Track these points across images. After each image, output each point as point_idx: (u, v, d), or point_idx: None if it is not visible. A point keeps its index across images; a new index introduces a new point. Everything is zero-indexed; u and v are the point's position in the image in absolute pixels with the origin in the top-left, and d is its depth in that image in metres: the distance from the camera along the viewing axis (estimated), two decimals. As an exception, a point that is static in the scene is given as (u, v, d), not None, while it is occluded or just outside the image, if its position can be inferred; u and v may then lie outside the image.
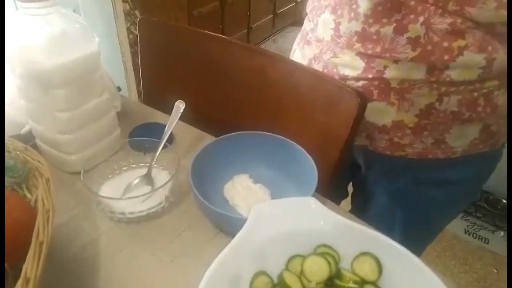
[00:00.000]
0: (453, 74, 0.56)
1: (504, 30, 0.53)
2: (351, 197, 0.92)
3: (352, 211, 0.89)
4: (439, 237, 1.63)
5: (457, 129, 0.62)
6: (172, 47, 0.90)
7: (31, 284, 0.34)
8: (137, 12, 1.59)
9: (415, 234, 0.78)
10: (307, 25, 0.75)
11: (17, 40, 0.55)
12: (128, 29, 1.62)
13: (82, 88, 0.59)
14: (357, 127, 0.65)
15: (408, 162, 0.68)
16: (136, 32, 0.96)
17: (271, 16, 2.95)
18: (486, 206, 1.70)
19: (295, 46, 0.81)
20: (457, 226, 1.71)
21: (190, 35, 0.87)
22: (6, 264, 0.36)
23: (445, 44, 0.54)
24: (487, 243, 1.65)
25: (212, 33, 0.82)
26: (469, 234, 1.69)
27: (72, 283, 0.49)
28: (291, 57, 0.81)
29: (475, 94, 0.59)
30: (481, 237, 1.67)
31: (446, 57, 0.55)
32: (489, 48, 0.54)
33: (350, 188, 0.94)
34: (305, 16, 0.76)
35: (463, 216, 1.75)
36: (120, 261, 0.52)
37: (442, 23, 0.53)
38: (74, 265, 0.51)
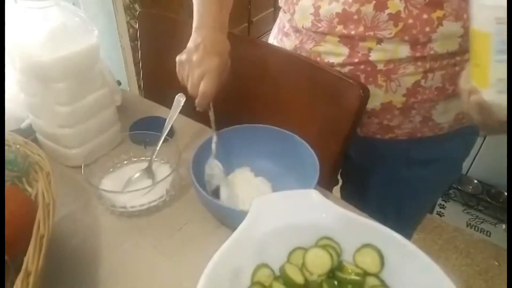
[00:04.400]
0: (436, 46, 0.58)
1: None
2: (341, 189, 0.92)
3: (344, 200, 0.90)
4: (441, 230, 1.64)
5: (442, 104, 0.64)
6: (172, 40, 0.89)
7: (32, 277, 0.34)
8: (136, 5, 1.58)
9: (407, 215, 0.80)
10: (283, 16, 0.74)
11: (16, 34, 0.54)
12: (128, 23, 1.61)
13: (82, 82, 0.59)
14: (359, 120, 0.65)
15: (399, 143, 0.69)
16: (136, 26, 0.96)
17: (272, 9, 2.93)
18: (488, 199, 1.70)
19: (271, 39, 0.81)
20: (459, 219, 1.71)
21: (190, 28, 0.86)
22: (7, 258, 0.36)
23: (425, 16, 0.56)
24: (489, 236, 1.65)
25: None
26: (471, 227, 1.69)
27: (73, 277, 0.49)
28: None
29: (457, 68, 0.60)
30: (483, 230, 1.67)
31: (427, 29, 0.56)
32: (465, 16, 0.56)
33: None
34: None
35: (465, 209, 1.75)
36: (121, 255, 0.52)
37: None
38: (75, 258, 0.51)
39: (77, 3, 1.40)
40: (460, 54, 0.59)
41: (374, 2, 0.56)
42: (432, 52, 0.58)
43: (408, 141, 0.68)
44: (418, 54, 0.58)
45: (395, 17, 0.56)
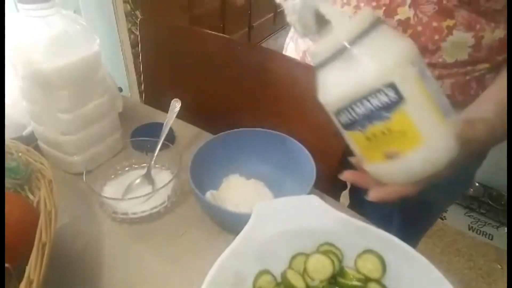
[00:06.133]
0: (445, 54, 0.57)
1: (488, 5, 0.53)
2: (349, 191, 0.92)
3: (351, 205, 0.90)
4: (442, 233, 1.64)
5: None
6: (173, 47, 0.90)
7: (35, 285, 0.34)
8: (138, 12, 1.59)
9: (413, 223, 0.79)
10: None
11: (18, 41, 0.55)
12: (129, 30, 1.62)
13: (83, 89, 0.59)
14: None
15: None
16: (137, 33, 0.96)
17: (272, 14, 2.94)
18: (490, 202, 1.69)
19: (288, 40, 0.82)
20: (461, 222, 1.71)
21: (190, 34, 0.87)
22: (10, 266, 0.37)
23: (435, 24, 0.55)
24: (491, 239, 1.64)
25: (212, 32, 0.82)
26: (473, 230, 1.68)
27: (75, 284, 0.49)
28: (284, 52, 0.82)
29: (467, 77, 0.60)
30: (485, 233, 1.67)
31: (436, 37, 0.56)
32: (477, 26, 0.55)
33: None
34: None
35: (466, 212, 1.74)
36: (124, 262, 0.52)
37: (429, 2, 0.54)
38: (77, 266, 0.51)
39: (78, 11, 1.41)
40: (470, 64, 0.58)
41: (384, 8, 0.57)
42: (440, 59, 0.57)
43: None
44: (426, 61, 0.58)
45: (404, 24, 0.56)
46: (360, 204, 0.84)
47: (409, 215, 0.78)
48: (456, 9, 0.54)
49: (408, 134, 0.36)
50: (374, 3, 0.57)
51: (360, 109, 0.36)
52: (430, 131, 0.36)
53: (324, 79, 0.39)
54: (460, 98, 0.61)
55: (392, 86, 0.34)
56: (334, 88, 0.38)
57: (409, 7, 0.55)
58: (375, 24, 0.36)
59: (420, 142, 0.36)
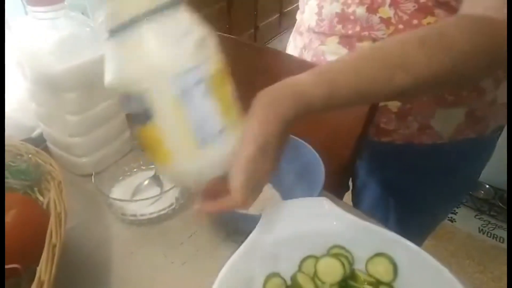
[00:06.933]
0: None
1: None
2: (351, 192, 0.92)
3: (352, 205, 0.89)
4: (452, 236, 1.62)
5: (442, 113, 0.62)
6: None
7: (45, 286, 0.34)
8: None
9: (411, 224, 0.77)
10: (298, 17, 0.77)
11: (27, 44, 0.55)
12: (136, 31, 1.63)
13: (92, 91, 0.59)
14: (369, 126, 0.65)
15: (396, 148, 0.67)
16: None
17: (278, 15, 2.95)
18: (500, 204, 1.67)
19: (290, 38, 0.83)
20: (471, 225, 1.69)
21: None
22: (20, 267, 0.37)
23: (415, 21, 0.55)
24: (502, 242, 1.62)
25: (218, 33, 0.82)
26: (483, 233, 1.66)
27: (85, 285, 0.49)
28: (286, 50, 0.82)
29: None
30: (495, 236, 1.64)
31: None
32: None
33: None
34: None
35: (477, 215, 1.72)
36: (132, 263, 0.52)
37: (408, 0, 0.54)
38: (87, 267, 0.51)
39: (86, 12, 1.42)
40: None
41: (366, 5, 0.58)
42: None
43: (405, 147, 0.67)
44: None
45: (386, 21, 0.57)
46: (357, 203, 0.84)
47: (405, 214, 0.77)
48: (435, 7, 0.54)
49: (159, 148, 0.34)
50: (357, 0, 0.58)
51: (128, 104, 0.34)
52: (177, 155, 0.34)
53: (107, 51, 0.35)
54: (450, 98, 0.60)
55: (145, 96, 0.32)
56: (109, 69, 0.35)
57: (389, 6, 0.56)
58: (157, 10, 0.31)
59: (168, 160, 0.35)
